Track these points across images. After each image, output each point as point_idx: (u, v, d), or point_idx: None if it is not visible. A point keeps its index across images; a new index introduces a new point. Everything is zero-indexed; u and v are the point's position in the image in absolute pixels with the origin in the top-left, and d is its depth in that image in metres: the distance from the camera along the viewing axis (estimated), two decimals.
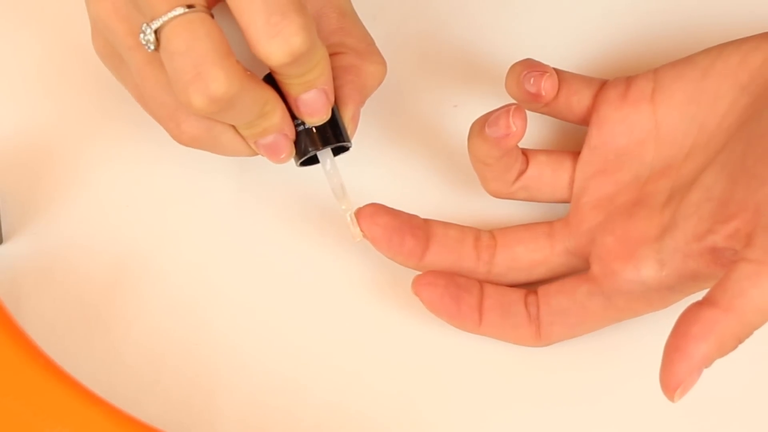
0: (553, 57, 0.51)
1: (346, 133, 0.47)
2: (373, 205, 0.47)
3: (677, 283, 0.43)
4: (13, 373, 0.43)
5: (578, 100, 0.48)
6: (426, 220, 0.48)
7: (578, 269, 0.47)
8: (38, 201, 0.50)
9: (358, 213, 0.47)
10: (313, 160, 0.47)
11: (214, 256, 0.50)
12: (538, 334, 0.46)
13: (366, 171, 0.51)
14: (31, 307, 0.48)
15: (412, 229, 0.47)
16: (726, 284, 0.39)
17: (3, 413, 0.42)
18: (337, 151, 0.47)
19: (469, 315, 0.46)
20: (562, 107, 0.48)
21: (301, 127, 0.46)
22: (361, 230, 0.47)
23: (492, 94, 0.52)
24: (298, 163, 0.47)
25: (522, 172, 0.48)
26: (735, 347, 0.39)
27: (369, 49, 0.48)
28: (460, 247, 0.47)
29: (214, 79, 0.40)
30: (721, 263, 0.42)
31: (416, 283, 0.47)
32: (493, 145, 0.45)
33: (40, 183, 0.51)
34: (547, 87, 0.47)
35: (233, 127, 0.45)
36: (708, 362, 0.39)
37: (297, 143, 0.46)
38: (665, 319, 0.41)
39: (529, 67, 0.47)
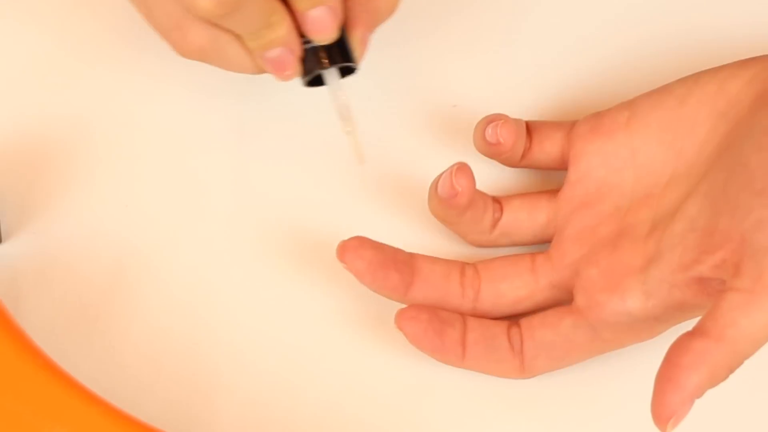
0: (552, 57, 0.52)
1: (354, 54, 0.46)
2: (358, 238, 0.47)
3: (663, 314, 0.43)
4: (13, 373, 0.43)
5: (551, 144, 0.48)
6: (412, 255, 0.48)
7: (563, 302, 0.46)
8: (38, 201, 0.50)
9: (342, 247, 0.47)
10: (319, 82, 0.47)
11: (214, 256, 0.50)
12: (522, 367, 0.46)
13: (365, 170, 0.51)
14: (30, 307, 0.48)
15: (397, 264, 0.47)
16: (716, 314, 0.39)
17: (3, 413, 0.42)
18: (343, 74, 0.47)
19: (452, 349, 0.46)
20: (537, 155, 0.48)
21: (308, 46, 0.45)
22: (345, 263, 0.46)
23: (492, 94, 0.52)
24: (305, 82, 0.46)
25: (497, 220, 0.48)
26: (726, 377, 0.39)
27: None
28: (446, 283, 0.47)
29: None
30: (708, 293, 0.41)
31: (399, 318, 0.46)
32: (446, 205, 0.46)
33: (40, 183, 0.50)
34: (503, 134, 0.47)
35: (239, 39, 0.45)
36: (700, 393, 0.38)
37: (303, 62, 0.46)
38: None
39: (488, 119, 0.48)
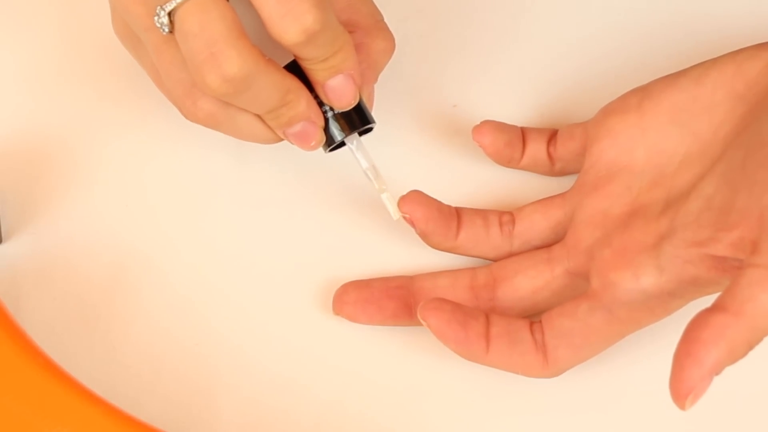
0: (552, 57, 0.52)
1: (370, 113, 0.47)
2: (346, 284, 0.48)
3: (677, 289, 0.43)
4: (13, 373, 0.43)
5: (573, 141, 0.49)
6: (411, 278, 0.48)
7: (581, 289, 0.46)
8: (38, 201, 0.50)
9: (335, 300, 0.48)
10: (340, 145, 0.47)
11: (214, 256, 0.50)
12: (545, 361, 0.45)
13: (364, 171, 0.51)
14: (31, 307, 0.48)
15: (389, 291, 0.48)
16: (735, 290, 0.38)
17: (3, 413, 0.42)
18: (361, 133, 0.47)
19: (476, 342, 0.45)
20: (562, 154, 0.49)
21: (329, 114, 0.46)
22: (342, 315, 0.48)
23: (491, 94, 0.52)
24: (327, 150, 0.47)
25: (510, 231, 0.49)
26: (745, 354, 0.38)
27: (377, 25, 0.48)
28: (452, 293, 0.47)
29: (227, 59, 0.40)
30: (723, 269, 0.41)
31: (423, 309, 0.45)
32: (420, 236, 0.48)
33: (40, 183, 0.51)
34: (481, 140, 0.49)
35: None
36: (719, 369, 0.38)
37: (324, 130, 0.46)
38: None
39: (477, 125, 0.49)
